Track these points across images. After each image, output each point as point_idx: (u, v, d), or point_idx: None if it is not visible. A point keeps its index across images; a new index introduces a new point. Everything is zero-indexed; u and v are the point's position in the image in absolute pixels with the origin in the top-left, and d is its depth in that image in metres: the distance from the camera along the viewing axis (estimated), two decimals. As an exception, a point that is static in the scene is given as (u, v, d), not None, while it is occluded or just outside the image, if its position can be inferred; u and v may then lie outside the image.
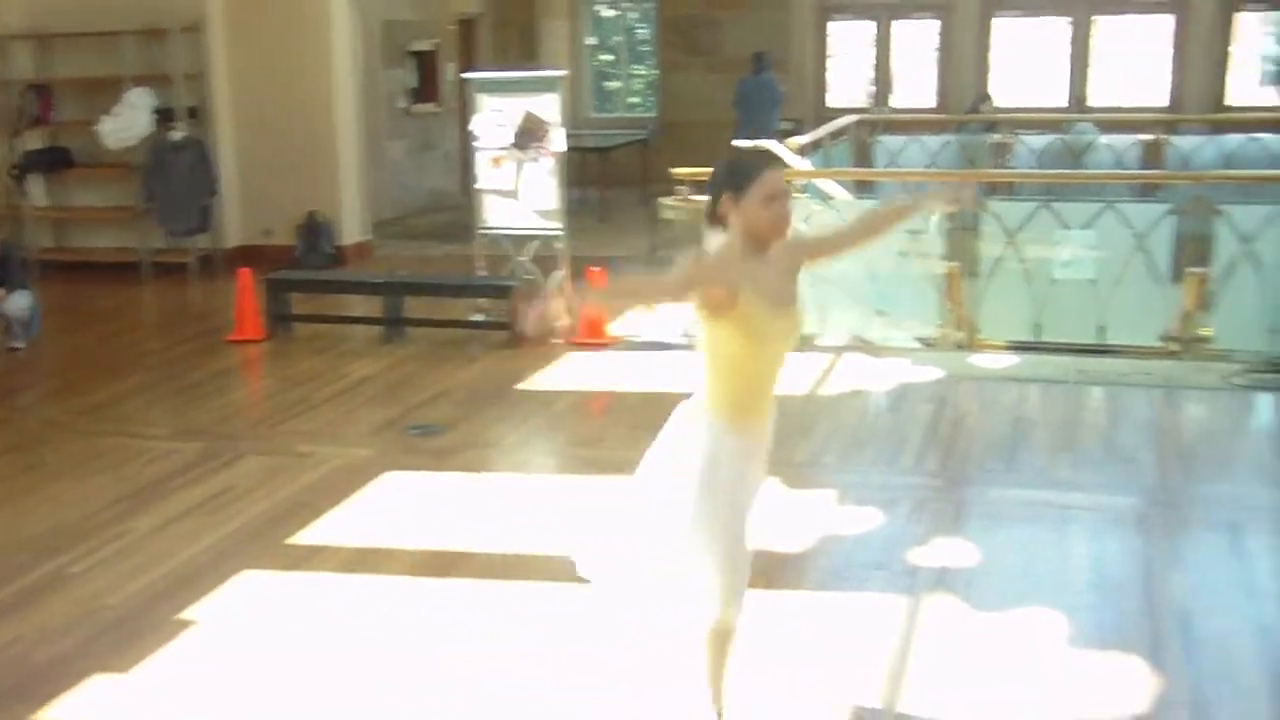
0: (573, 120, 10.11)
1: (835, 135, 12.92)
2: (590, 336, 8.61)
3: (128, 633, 4.68)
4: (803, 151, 11.29)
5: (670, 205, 9.23)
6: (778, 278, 3.58)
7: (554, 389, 7.76)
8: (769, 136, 11.81)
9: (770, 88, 14.29)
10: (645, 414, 7.13)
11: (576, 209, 9.41)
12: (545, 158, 9.11)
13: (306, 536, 5.56)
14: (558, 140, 9.06)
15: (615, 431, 7.04)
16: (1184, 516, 5.70)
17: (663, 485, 3.69)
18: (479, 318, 9.05)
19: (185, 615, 4.82)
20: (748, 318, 3.47)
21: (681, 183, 9.05)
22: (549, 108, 9.11)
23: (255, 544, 5.48)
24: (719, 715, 3.86)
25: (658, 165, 9.57)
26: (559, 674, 4.35)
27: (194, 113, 11.68)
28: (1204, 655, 4.42)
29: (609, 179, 15.19)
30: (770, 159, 3.68)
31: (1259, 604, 4.82)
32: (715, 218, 3.57)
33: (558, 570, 5.07)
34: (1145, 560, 5.29)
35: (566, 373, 8.07)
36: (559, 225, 9.19)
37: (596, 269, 8.71)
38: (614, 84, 18.54)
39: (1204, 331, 8.03)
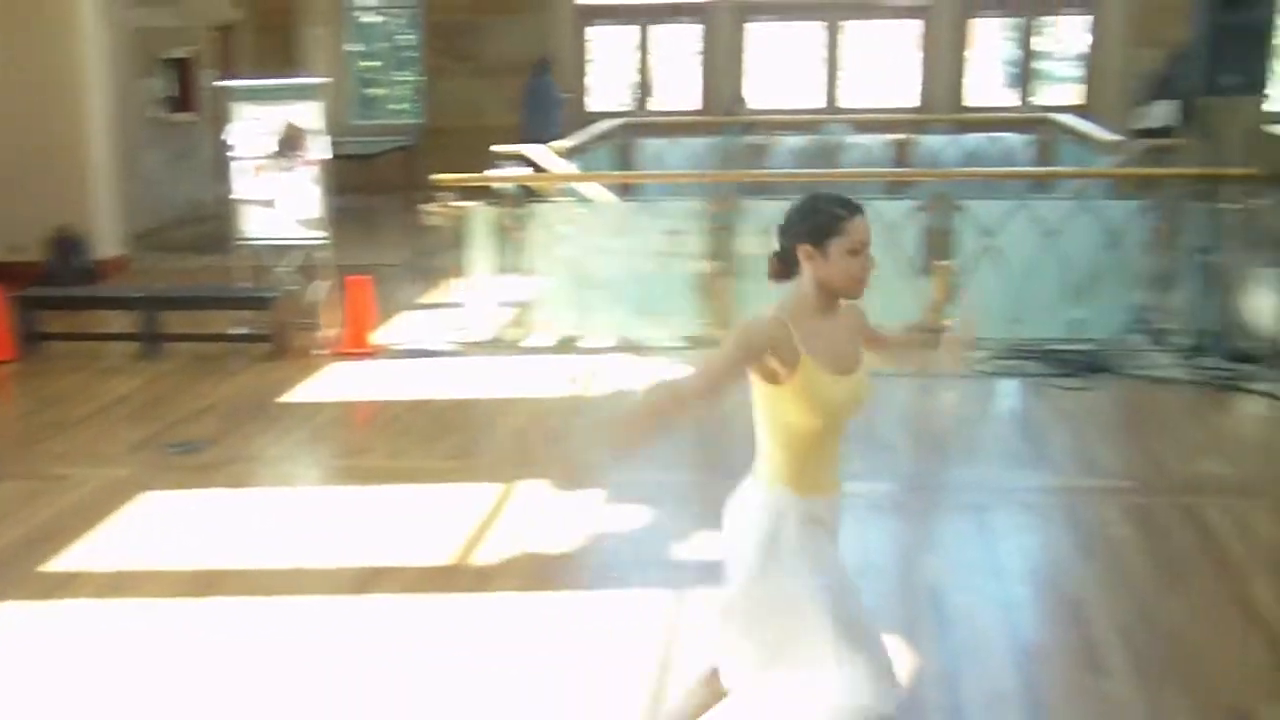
0: (335, 128, 9.95)
1: (599, 139, 13.05)
2: (353, 345, 8.50)
3: None
4: (568, 155, 11.37)
5: (433, 212, 9.18)
6: (847, 339, 3.26)
7: (317, 400, 7.64)
8: (551, 139, 11.86)
9: (551, 91, 14.38)
10: (411, 422, 7.17)
11: (340, 217, 9.26)
12: (307, 166, 8.97)
13: (61, 563, 5.34)
14: (320, 148, 8.93)
15: (381, 441, 6.98)
16: (936, 500, 5.95)
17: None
18: (240, 330, 8.84)
19: (-69, 649, 4.60)
20: (809, 385, 3.11)
21: (444, 189, 9.02)
22: (310, 115, 8.97)
23: (6, 574, 5.25)
24: None
25: (424, 172, 9.49)
26: (329, 687, 4.29)
27: (-70, 125, 11.12)
28: (954, 631, 4.61)
29: (373, 186, 15.02)
30: (854, 205, 3.18)
31: (1004, 582, 5.05)
32: (782, 269, 3.21)
33: (325, 583, 5.04)
34: (901, 543, 5.52)
35: (329, 384, 7.95)
36: (322, 234, 9.05)
37: (359, 277, 8.63)
38: (378, 91, 18.34)
39: (950, 322, 8.35)
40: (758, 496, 3.28)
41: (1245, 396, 7.29)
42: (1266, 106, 13.17)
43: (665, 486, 6.01)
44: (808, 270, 3.16)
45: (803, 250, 3.15)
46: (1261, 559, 5.12)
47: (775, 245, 3.24)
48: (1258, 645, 4.43)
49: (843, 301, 3.25)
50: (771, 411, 3.20)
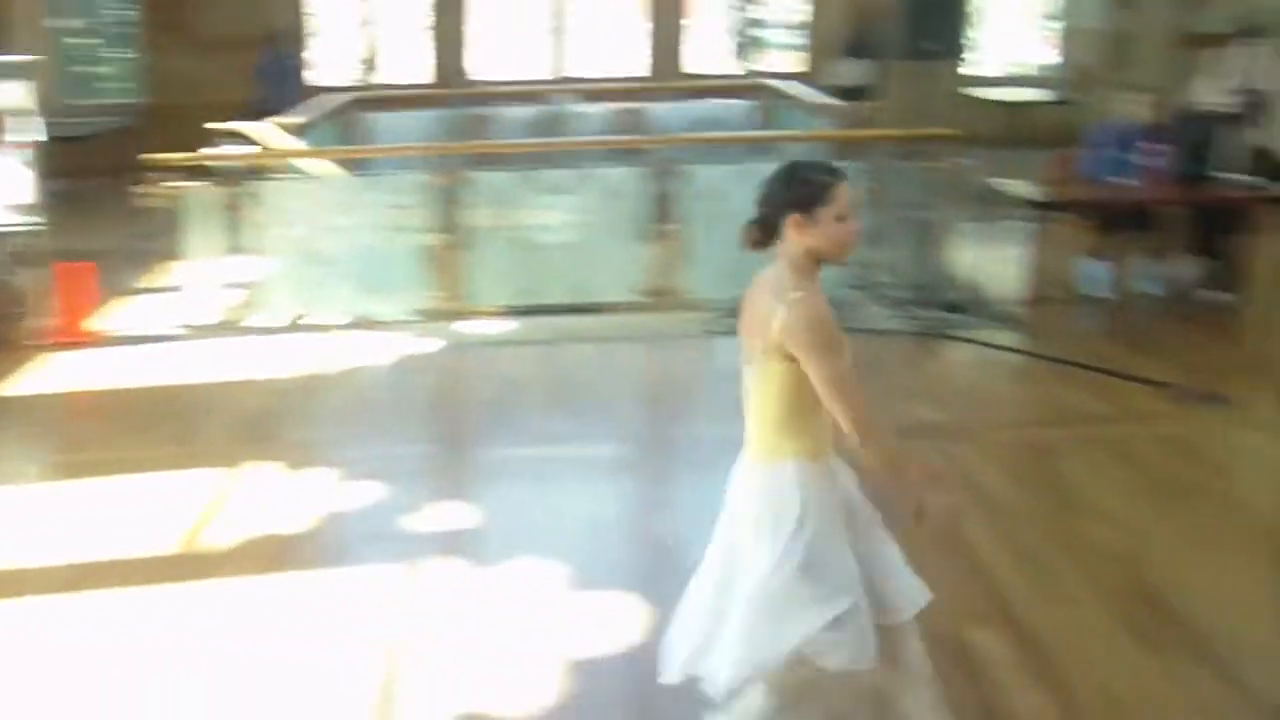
0: (48, 108, 9.49)
1: (328, 114, 12.81)
2: (70, 335, 8.16)
3: None
4: (298, 131, 11.12)
5: (149, 193, 8.87)
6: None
7: (32, 394, 7.29)
8: (288, 112, 11.58)
9: (287, 66, 14.07)
10: (132, 411, 6.94)
11: (55, 202, 8.86)
12: (16, 149, 8.55)
13: None
14: (32, 129, 8.53)
15: (100, 432, 6.73)
16: (666, 458, 6.11)
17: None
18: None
19: None
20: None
21: (160, 169, 8.73)
22: (18, 95, 8.54)
23: None
24: None
25: (145, 152, 9.14)
26: (46, 688, 4.18)
27: None
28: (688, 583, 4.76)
29: (90, 169, 14.38)
30: (838, 170, 3.18)
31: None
32: (763, 238, 3.22)
33: (41, 582, 4.87)
34: (633, 501, 5.65)
35: (46, 376, 7.60)
36: (35, 220, 8.64)
37: (76, 264, 8.30)
38: (94, 69, 17.54)
39: (678, 284, 8.57)
40: (779, 478, 3.30)
41: (955, 344, 7.69)
42: (963, 70, 13.89)
43: (397, 460, 6.00)
44: (796, 240, 3.17)
45: (791, 220, 3.15)
46: (971, 497, 5.41)
47: (755, 214, 3.25)
48: (964, 575, 4.70)
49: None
50: (797, 388, 3.20)
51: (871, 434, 3.14)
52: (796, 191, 3.16)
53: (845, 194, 3.15)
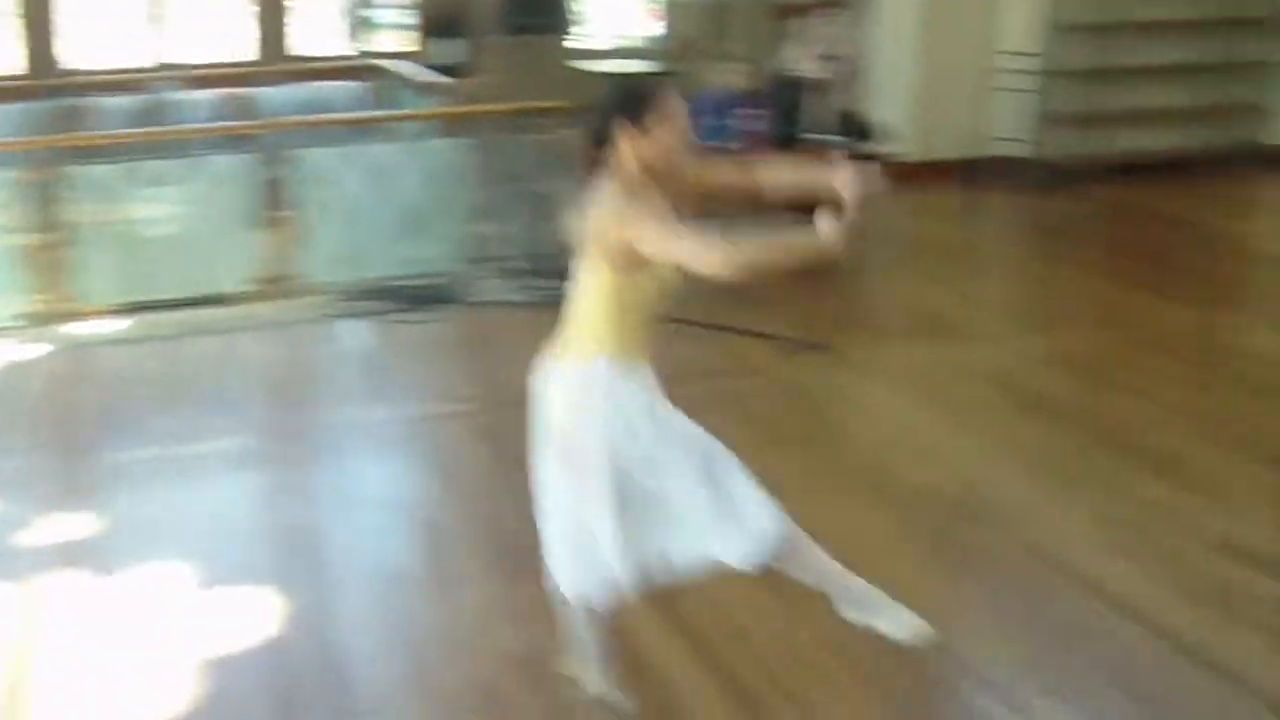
0: None
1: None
2: None
3: None
4: None
5: None
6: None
7: None
8: None
9: None
10: None
11: None
12: None
13: None
14: None
15: None
16: (294, 445, 6.02)
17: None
18: None
19: None
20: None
21: None
22: None
23: None
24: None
25: None
26: None
27: None
28: (326, 568, 4.75)
29: None
30: (663, 79, 3.37)
31: (367, 512, 5.26)
32: (599, 156, 3.26)
33: None
34: (264, 492, 5.57)
35: None
36: None
37: None
38: None
39: (295, 270, 8.45)
40: (586, 373, 3.43)
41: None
42: (570, 44, 14.21)
43: (11, 473, 5.71)
44: (630, 152, 3.22)
45: (624, 132, 3.19)
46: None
47: (590, 136, 3.28)
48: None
49: None
50: (617, 290, 3.31)
51: (730, 259, 3.07)
52: (625, 99, 3.25)
53: (673, 101, 3.24)
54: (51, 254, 8.16)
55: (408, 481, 5.71)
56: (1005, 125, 10.85)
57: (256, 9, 16.21)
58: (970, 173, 10.77)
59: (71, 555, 4.89)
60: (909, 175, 9.63)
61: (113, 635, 4.33)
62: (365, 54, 16.18)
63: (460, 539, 4.95)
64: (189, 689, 3.99)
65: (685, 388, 6.40)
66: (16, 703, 3.96)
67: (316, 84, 14.73)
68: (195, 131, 11.90)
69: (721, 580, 4.39)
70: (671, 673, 3.94)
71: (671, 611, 4.22)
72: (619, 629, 3.84)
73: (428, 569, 4.76)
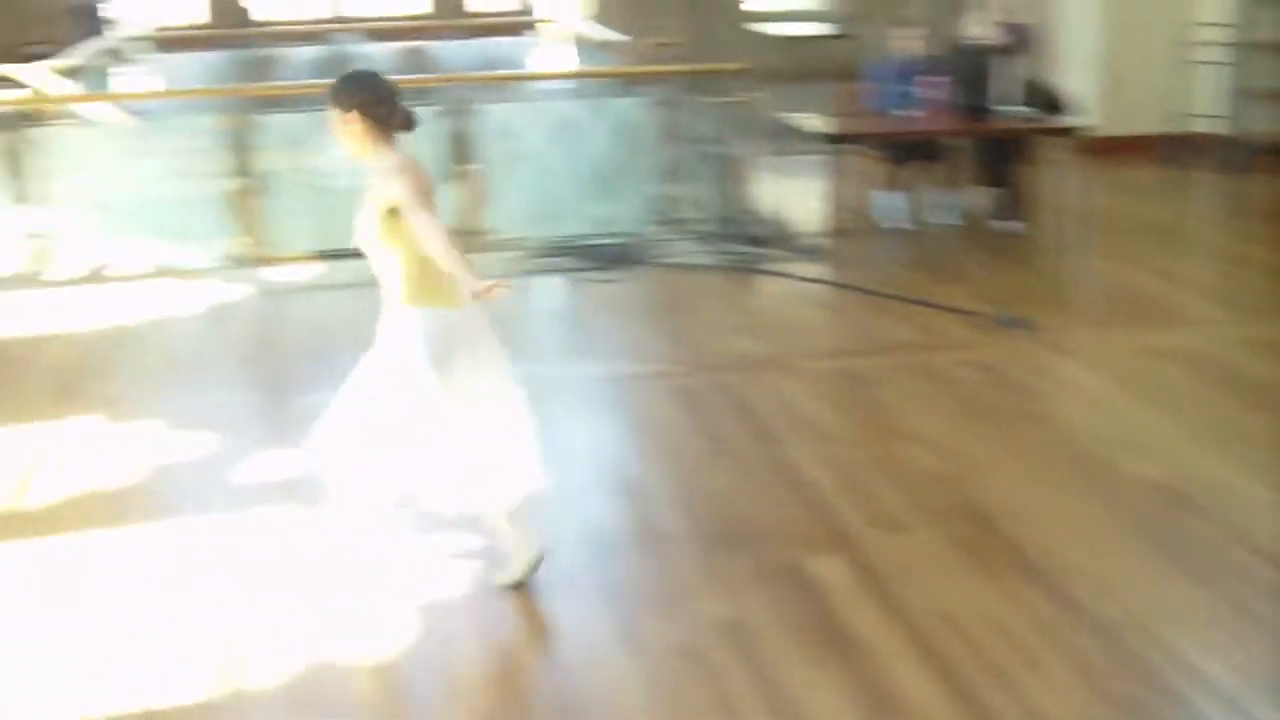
0: None
1: (104, 55, 12.28)
2: None
3: None
4: (71, 75, 10.64)
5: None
6: None
7: None
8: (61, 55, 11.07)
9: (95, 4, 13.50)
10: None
11: None
12: None
13: None
14: None
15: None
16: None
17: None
18: None
19: None
20: None
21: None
22: None
23: None
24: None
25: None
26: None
27: None
28: (531, 521, 4.78)
29: None
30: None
31: (568, 466, 5.24)
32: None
33: None
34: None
35: None
36: None
37: None
38: None
39: (486, 224, 8.53)
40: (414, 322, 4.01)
41: (762, 277, 7.87)
42: (744, 6, 14.05)
43: (218, 411, 5.87)
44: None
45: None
46: (794, 426, 5.58)
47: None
48: (798, 504, 4.84)
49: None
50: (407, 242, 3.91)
51: (451, 258, 3.86)
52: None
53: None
54: (248, 200, 8.36)
55: (607, 439, 5.74)
56: (1202, 100, 10.51)
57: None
58: (1165, 148, 10.49)
59: (285, 492, 5.02)
60: (1099, 150, 9.40)
61: (324, 571, 4.44)
62: (540, 11, 16.31)
63: (662, 499, 4.96)
64: (399, 628, 4.09)
65: (879, 359, 6.44)
66: (232, 628, 4.09)
67: (491, 40, 14.85)
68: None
69: (932, 561, 4.38)
70: (881, 651, 3.90)
71: (882, 590, 4.20)
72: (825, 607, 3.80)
73: (631, 527, 4.78)
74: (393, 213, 3.89)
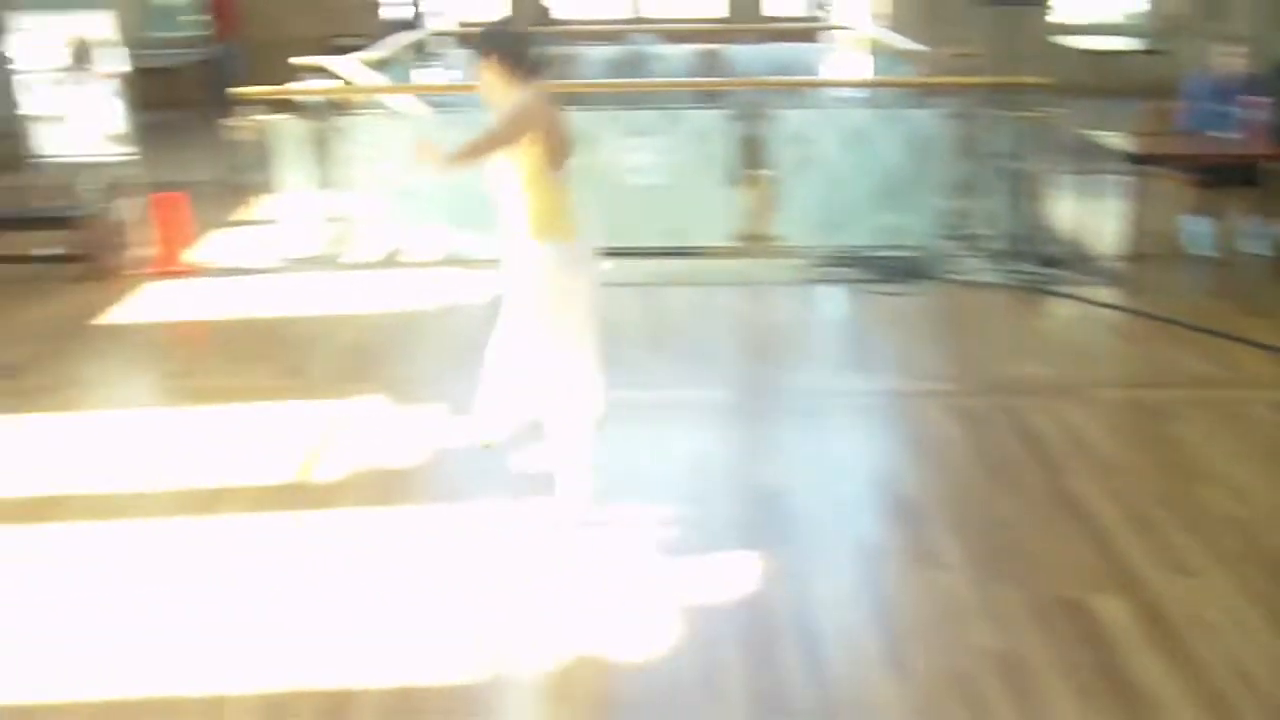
0: (131, 40, 9.54)
1: (407, 50, 12.78)
2: (167, 265, 8.24)
3: None
4: (377, 67, 11.12)
5: (239, 126, 8.89)
6: None
7: (135, 322, 7.39)
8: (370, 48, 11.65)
9: None
10: (237, 340, 7.01)
11: (144, 133, 8.92)
12: (104, 80, 8.60)
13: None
14: (116, 60, 8.56)
15: (207, 361, 6.82)
16: (770, 405, 6.07)
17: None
18: (48, 251, 8.44)
19: None
20: None
21: (248, 102, 8.74)
22: (100, 26, 8.59)
23: None
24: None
25: (227, 86, 9.19)
26: (185, 607, 4.23)
27: None
28: (797, 532, 4.75)
29: (177, 101, 14.43)
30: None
31: (840, 483, 5.21)
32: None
33: (168, 505, 4.95)
34: (738, 448, 5.62)
35: (147, 304, 7.70)
36: (127, 150, 8.70)
37: (170, 194, 8.36)
38: (172, 1, 17.52)
39: (772, 230, 8.51)
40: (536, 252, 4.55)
41: (1054, 299, 7.58)
42: (1050, 18, 13.62)
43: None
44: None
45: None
46: (1081, 456, 5.36)
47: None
48: (1081, 539, 4.65)
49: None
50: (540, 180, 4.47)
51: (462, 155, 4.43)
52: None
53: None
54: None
55: (881, 455, 5.63)
56: None
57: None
58: None
59: (546, 484, 5.09)
60: None
61: (592, 567, 4.50)
62: (836, 18, 16.19)
63: (936, 521, 4.83)
64: (660, 628, 4.09)
65: (1176, 392, 6.13)
66: (502, 614, 4.16)
67: (785, 45, 14.79)
68: (675, 85, 12.18)
69: (1225, 611, 4.13)
70: (1166, 703, 3.70)
71: (1169, 637, 4.00)
72: (1106, 649, 3.64)
73: (902, 547, 4.67)
74: (524, 154, 4.39)
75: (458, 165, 4.45)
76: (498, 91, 4.54)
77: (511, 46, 4.55)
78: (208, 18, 15.19)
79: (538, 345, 4.64)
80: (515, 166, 4.45)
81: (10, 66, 8.63)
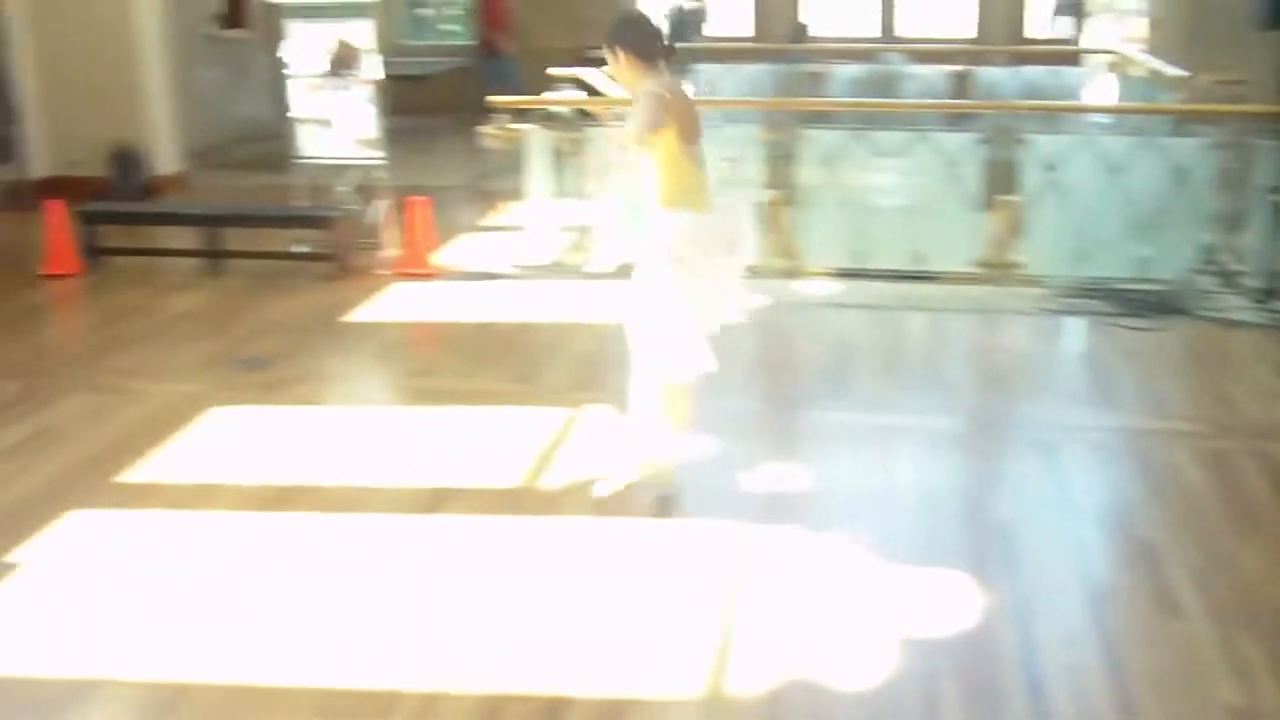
0: (387, 47, 9.88)
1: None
2: (414, 266, 8.51)
3: (-51, 579, 4.51)
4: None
5: (490, 134, 9.11)
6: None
7: (380, 320, 7.66)
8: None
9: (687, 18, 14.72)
10: (475, 344, 7.19)
11: (396, 138, 9.23)
12: (361, 85, 8.93)
13: (135, 474, 5.40)
14: (373, 67, 8.88)
15: (446, 362, 7.01)
16: (1002, 436, 5.92)
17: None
18: (301, 249, 8.83)
19: (10, 559, 4.65)
20: None
21: (501, 111, 8.95)
22: (361, 34, 8.91)
23: (81, 483, 5.30)
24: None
25: (478, 94, 9.45)
26: (407, 605, 4.34)
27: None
28: (1025, 569, 4.60)
29: (429, 108, 14.92)
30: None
31: (1073, 521, 5.03)
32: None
33: (396, 501, 5.09)
34: (967, 478, 5.49)
35: (392, 304, 7.97)
36: (379, 154, 9.02)
37: (419, 198, 8.62)
38: (427, 10, 18.16)
39: (1016, 258, 8.29)
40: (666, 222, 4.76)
41: (1316, 342, 7.19)
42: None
43: (728, 417, 5.96)
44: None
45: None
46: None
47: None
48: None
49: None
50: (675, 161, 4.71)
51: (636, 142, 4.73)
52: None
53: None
54: (780, 212, 8.52)
55: (1117, 494, 5.41)
56: None
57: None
58: None
59: (785, 505, 5.07)
60: None
61: (813, 591, 4.44)
62: (1093, 40, 15.73)
63: (1174, 566, 4.59)
64: (881, 658, 4.01)
65: None
66: (722, 632, 4.14)
67: (1039, 68, 14.42)
68: (924, 106, 12.02)
69: None
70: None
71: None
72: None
73: (1135, 591, 4.47)
74: (659, 133, 4.65)
75: (637, 149, 4.77)
76: (630, 80, 4.82)
77: (639, 38, 4.80)
78: (478, 28, 15.60)
79: (650, 306, 4.85)
80: (652, 145, 4.71)
81: (286, 71, 9.05)
